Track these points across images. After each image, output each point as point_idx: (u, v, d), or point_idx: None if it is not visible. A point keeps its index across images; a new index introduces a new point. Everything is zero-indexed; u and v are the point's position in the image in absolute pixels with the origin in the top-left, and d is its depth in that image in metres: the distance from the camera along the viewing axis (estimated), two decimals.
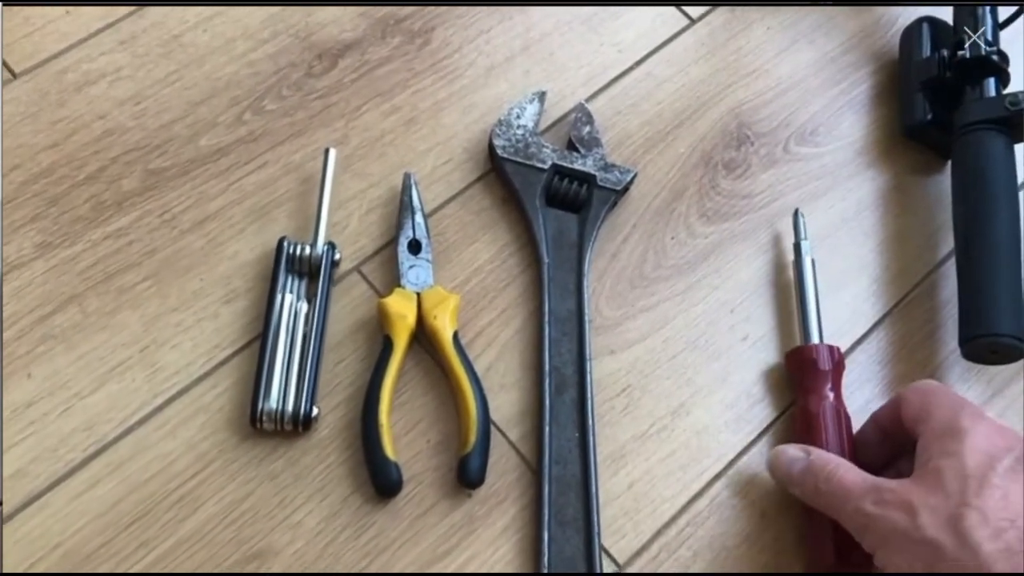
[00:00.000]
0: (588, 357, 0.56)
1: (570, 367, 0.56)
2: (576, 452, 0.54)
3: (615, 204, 0.61)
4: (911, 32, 0.68)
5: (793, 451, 0.51)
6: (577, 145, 0.62)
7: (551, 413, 0.55)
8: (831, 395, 0.55)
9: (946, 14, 0.68)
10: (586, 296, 0.58)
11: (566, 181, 0.61)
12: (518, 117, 0.62)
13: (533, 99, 0.63)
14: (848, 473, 0.48)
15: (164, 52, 0.64)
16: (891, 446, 0.53)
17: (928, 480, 0.46)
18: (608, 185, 0.61)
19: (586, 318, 0.57)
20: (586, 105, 0.64)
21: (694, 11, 0.70)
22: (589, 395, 0.55)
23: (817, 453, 0.51)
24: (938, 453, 0.47)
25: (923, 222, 0.64)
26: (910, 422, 0.50)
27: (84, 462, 0.52)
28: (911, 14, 0.70)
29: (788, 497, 0.54)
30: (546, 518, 0.52)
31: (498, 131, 0.62)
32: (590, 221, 0.60)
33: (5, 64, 0.62)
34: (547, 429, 0.54)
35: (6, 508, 0.51)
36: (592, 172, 0.61)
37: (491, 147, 0.62)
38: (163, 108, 0.62)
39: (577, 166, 0.61)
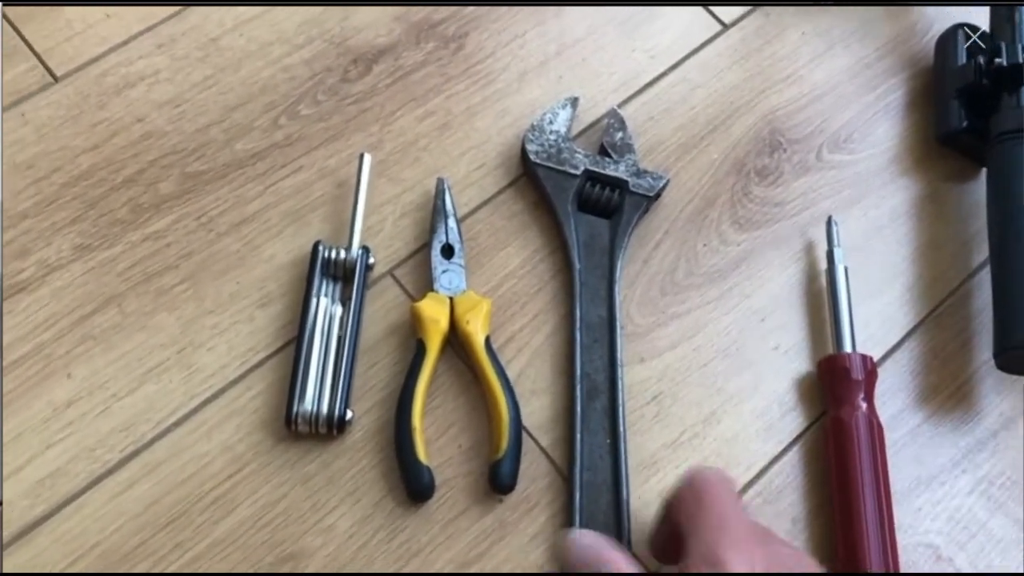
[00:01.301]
0: (620, 364, 0.56)
1: (601, 374, 0.56)
2: (607, 459, 0.54)
3: (647, 210, 0.61)
4: (946, 39, 0.68)
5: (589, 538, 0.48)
6: (609, 151, 0.62)
7: (582, 420, 0.55)
8: (863, 405, 0.55)
9: (981, 19, 0.67)
10: (617, 302, 0.58)
11: (598, 187, 0.61)
12: (550, 122, 0.62)
13: (565, 104, 0.63)
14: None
15: (202, 56, 0.65)
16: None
17: None
18: (640, 191, 0.61)
19: (617, 324, 0.57)
20: (618, 111, 0.64)
21: (727, 16, 0.70)
22: (620, 402, 0.55)
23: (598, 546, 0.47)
24: None
25: (957, 230, 0.64)
26: (682, 527, 0.45)
27: (121, 462, 0.53)
28: (945, 20, 0.70)
29: (819, 505, 0.54)
30: (577, 524, 0.52)
31: (531, 136, 0.62)
32: (622, 227, 0.60)
33: (46, 67, 0.63)
34: (578, 436, 0.54)
35: (45, 507, 0.52)
36: (624, 178, 0.61)
37: (524, 152, 0.62)
38: (200, 112, 0.63)
39: (609, 172, 0.61)
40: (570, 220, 0.60)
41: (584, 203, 0.61)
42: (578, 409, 0.55)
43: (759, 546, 0.44)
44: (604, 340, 0.57)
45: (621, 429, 0.55)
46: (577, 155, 0.62)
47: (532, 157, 0.61)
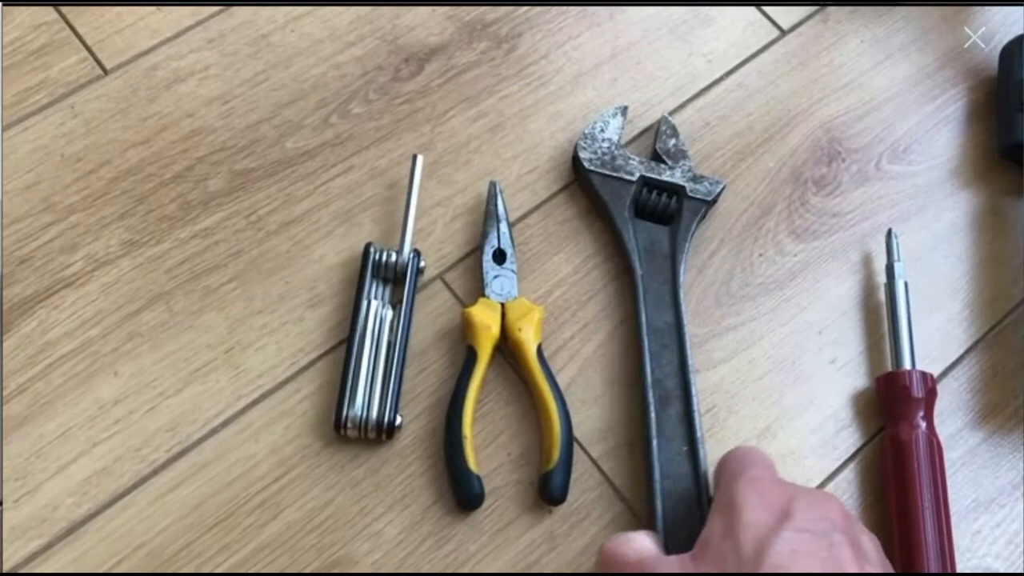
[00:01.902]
0: (691, 369, 0.55)
1: (672, 380, 0.55)
2: (687, 466, 0.53)
3: (705, 216, 0.60)
4: (1011, 50, 0.66)
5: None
6: (664, 157, 0.61)
7: (657, 427, 0.53)
8: (923, 423, 0.54)
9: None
10: (683, 307, 0.57)
11: (655, 193, 0.60)
12: (602, 131, 0.61)
13: (616, 113, 0.62)
14: (629, 544, 0.47)
15: (252, 52, 0.64)
16: None
17: (708, 562, 0.43)
18: (698, 196, 0.60)
19: (685, 330, 0.56)
20: (669, 118, 0.63)
21: (785, 22, 0.68)
22: (695, 407, 0.54)
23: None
24: (719, 532, 0.44)
25: (1019, 245, 0.63)
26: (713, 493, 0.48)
27: (168, 462, 0.53)
28: (1008, 31, 0.68)
29: (875, 524, 0.53)
30: (662, 534, 0.50)
31: (583, 144, 0.61)
32: (682, 232, 0.59)
33: (96, 59, 0.63)
34: (654, 443, 0.53)
35: (91, 505, 0.51)
36: (681, 183, 0.60)
37: (576, 160, 0.61)
38: (250, 108, 0.62)
39: (666, 178, 0.60)
40: (628, 226, 0.59)
41: (641, 210, 0.60)
42: (652, 416, 0.53)
43: (775, 486, 0.45)
44: (673, 346, 0.56)
45: (699, 434, 0.53)
46: (632, 161, 0.60)
47: (586, 164, 0.60)
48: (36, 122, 0.61)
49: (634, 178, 0.60)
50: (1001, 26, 0.69)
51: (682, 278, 0.58)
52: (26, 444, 0.52)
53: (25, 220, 0.58)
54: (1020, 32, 0.67)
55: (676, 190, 0.60)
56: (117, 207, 0.59)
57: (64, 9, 0.64)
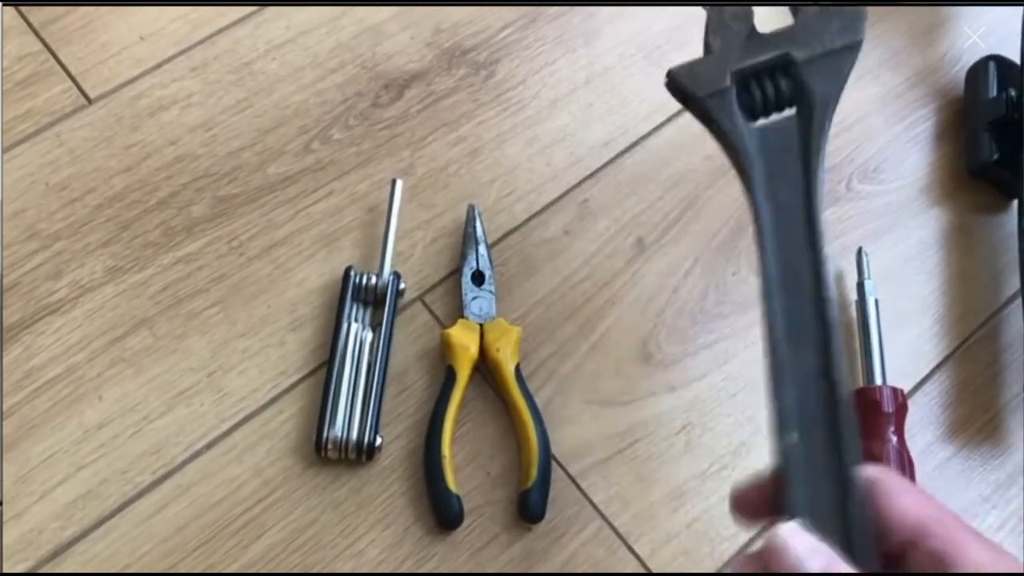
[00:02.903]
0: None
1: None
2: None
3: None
4: (977, 70, 0.68)
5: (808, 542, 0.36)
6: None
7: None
8: (894, 438, 0.55)
9: (1011, 51, 0.67)
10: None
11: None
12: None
13: None
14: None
15: (234, 80, 0.65)
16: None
17: None
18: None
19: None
20: None
21: None
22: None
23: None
24: None
25: (987, 263, 0.64)
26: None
27: (152, 485, 0.53)
28: (975, 52, 0.70)
29: None
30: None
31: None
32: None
33: (80, 89, 0.64)
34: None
35: (76, 529, 0.52)
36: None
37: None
38: (233, 135, 0.63)
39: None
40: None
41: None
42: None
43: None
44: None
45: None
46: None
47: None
48: (22, 151, 0.62)
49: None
50: (969, 47, 0.71)
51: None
52: (12, 468, 0.53)
53: (11, 247, 0.59)
54: (986, 54, 0.68)
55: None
56: (102, 234, 0.60)
57: (48, 39, 0.65)
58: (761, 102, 0.45)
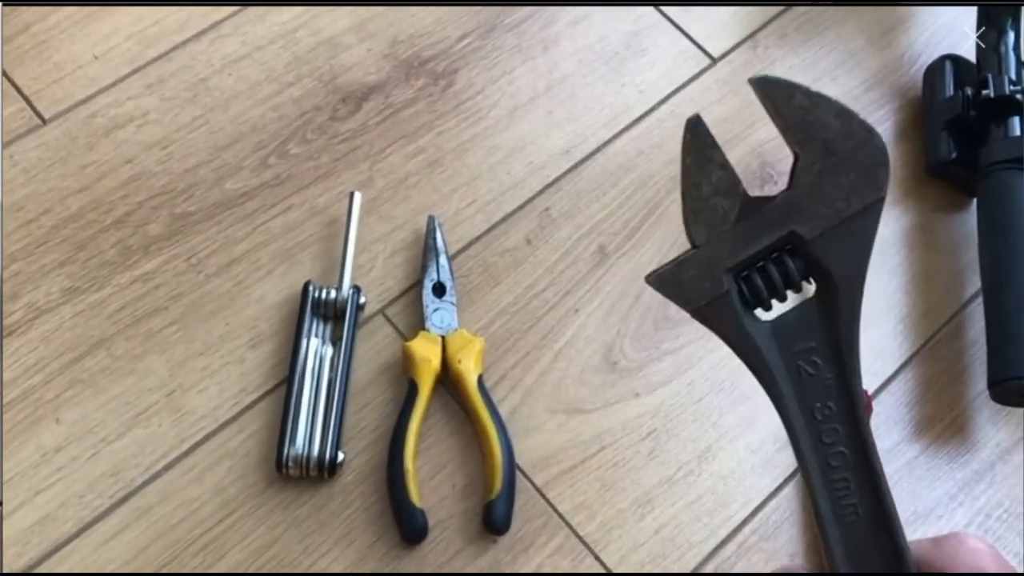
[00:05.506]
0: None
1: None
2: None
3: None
4: (934, 70, 0.68)
5: None
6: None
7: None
8: None
9: (967, 51, 0.68)
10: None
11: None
12: None
13: None
14: None
15: (190, 96, 0.64)
16: None
17: None
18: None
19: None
20: None
21: (715, 50, 0.70)
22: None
23: None
24: None
25: (949, 261, 0.64)
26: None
27: (111, 508, 0.53)
28: (932, 52, 0.70)
29: (816, 541, 0.54)
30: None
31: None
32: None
33: (34, 109, 0.63)
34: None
35: (34, 554, 0.51)
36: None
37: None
38: (189, 152, 0.63)
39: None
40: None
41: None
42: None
43: None
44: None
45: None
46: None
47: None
48: None
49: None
50: (926, 47, 0.71)
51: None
52: None
53: None
54: (943, 53, 0.69)
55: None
56: (58, 255, 0.59)
57: (2, 60, 0.64)
58: (767, 291, 0.36)
